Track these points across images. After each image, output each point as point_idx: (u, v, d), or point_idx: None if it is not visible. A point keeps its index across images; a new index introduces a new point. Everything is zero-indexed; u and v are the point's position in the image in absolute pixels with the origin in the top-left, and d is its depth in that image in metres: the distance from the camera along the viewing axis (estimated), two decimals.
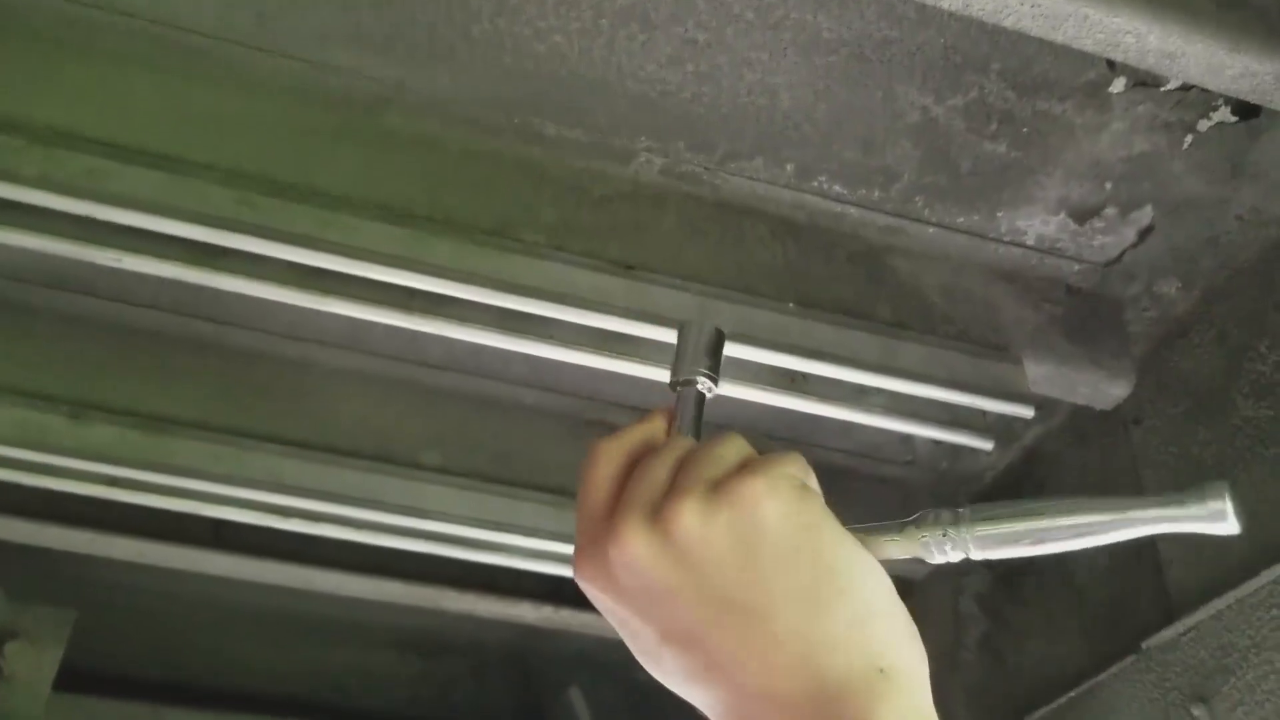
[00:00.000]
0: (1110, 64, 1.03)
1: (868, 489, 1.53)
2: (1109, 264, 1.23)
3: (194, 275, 1.03)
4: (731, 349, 1.12)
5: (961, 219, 1.19)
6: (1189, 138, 1.09)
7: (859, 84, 1.06)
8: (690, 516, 0.56)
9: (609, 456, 0.62)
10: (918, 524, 0.61)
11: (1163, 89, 1.05)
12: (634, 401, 1.37)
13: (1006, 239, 1.21)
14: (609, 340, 1.12)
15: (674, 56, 1.04)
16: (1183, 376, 1.24)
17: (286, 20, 1.03)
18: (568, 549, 1.38)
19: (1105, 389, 1.24)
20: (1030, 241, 1.21)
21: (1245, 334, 1.17)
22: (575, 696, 1.90)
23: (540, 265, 1.08)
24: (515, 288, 1.06)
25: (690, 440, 0.62)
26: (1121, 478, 1.30)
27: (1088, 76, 1.04)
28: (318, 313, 1.29)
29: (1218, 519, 0.55)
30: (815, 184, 1.16)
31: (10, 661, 1.59)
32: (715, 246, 1.16)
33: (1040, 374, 1.20)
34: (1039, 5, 0.81)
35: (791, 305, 1.15)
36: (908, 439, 1.47)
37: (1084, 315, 1.24)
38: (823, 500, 0.58)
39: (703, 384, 0.66)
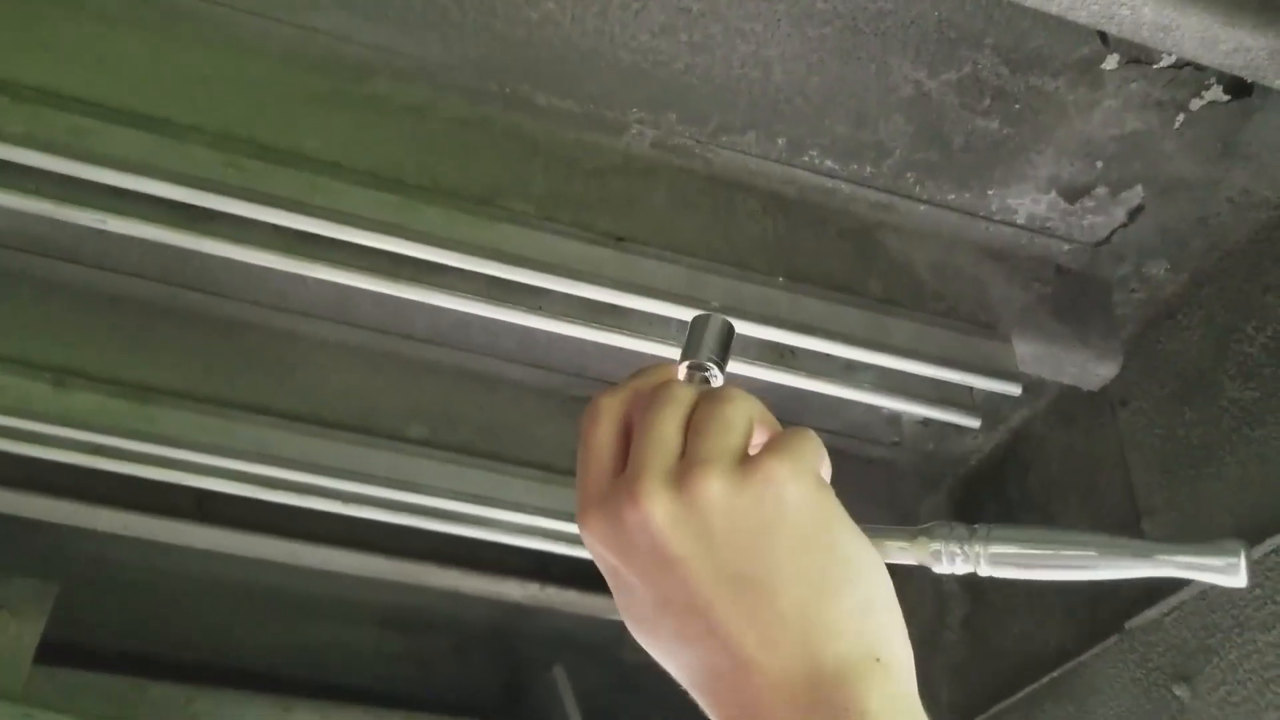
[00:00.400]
0: (1104, 39, 1.02)
1: (854, 469, 1.53)
2: (1098, 244, 1.23)
3: (179, 238, 1.02)
4: None
5: (953, 196, 1.19)
6: (1181, 117, 1.09)
7: (852, 57, 1.05)
8: (716, 488, 0.56)
9: (611, 411, 0.62)
10: (930, 534, 0.62)
11: (1155, 66, 1.04)
12: (622, 377, 1.37)
13: (997, 217, 1.21)
14: (598, 312, 1.11)
15: (667, 25, 1.04)
16: (1170, 358, 1.24)
17: None
18: (554, 524, 1.38)
19: (1093, 369, 1.24)
20: (1021, 220, 1.21)
21: (1233, 316, 1.18)
22: (559, 675, 1.90)
23: (530, 235, 1.08)
24: (504, 256, 1.06)
25: (691, 391, 0.62)
26: (1108, 460, 1.30)
27: (1081, 53, 1.04)
28: (304, 284, 1.29)
29: (1231, 572, 0.58)
30: (807, 159, 1.16)
31: None
32: (706, 220, 1.16)
33: (1028, 353, 1.21)
34: None
35: (781, 280, 1.14)
36: (895, 420, 1.47)
37: (1073, 295, 1.24)
38: (833, 493, 0.59)
39: (710, 372, 0.67)
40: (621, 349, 1.17)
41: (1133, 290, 1.27)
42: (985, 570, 0.62)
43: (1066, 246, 1.23)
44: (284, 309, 1.35)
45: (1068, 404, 1.38)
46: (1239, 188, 1.15)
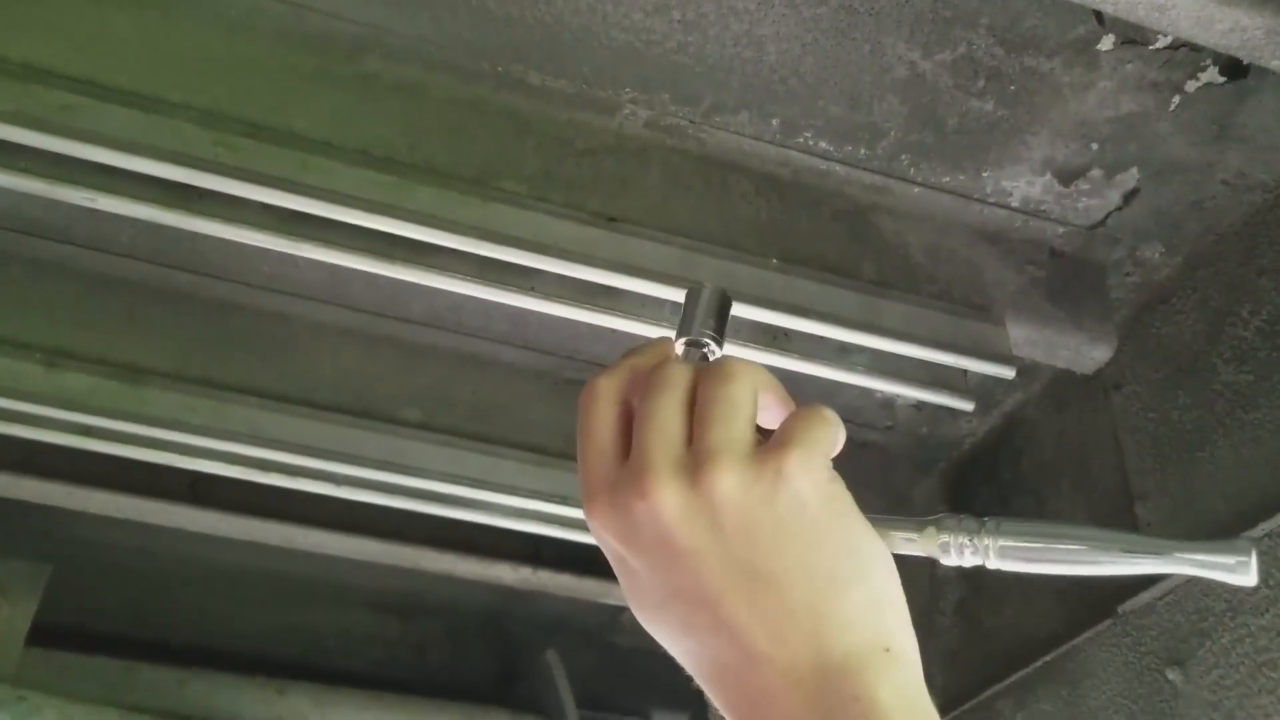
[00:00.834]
0: (1099, 19, 1.02)
1: (847, 453, 1.52)
2: (1093, 227, 1.22)
3: (169, 217, 1.02)
4: None
5: (947, 178, 1.18)
6: (1176, 98, 1.09)
7: (846, 37, 1.05)
8: (728, 482, 0.56)
9: (608, 394, 0.62)
10: (938, 525, 0.62)
11: (1151, 47, 1.04)
12: (615, 359, 1.37)
13: (991, 200, 1.21)
14: (590, 293, 1.11)
15: (660, 4, 1.03)
16: (1164, 342, 1.24)
17: None
18: (548, 507, 1.38)
19: (1086, 352, 1.23)
20: (1015, 203, 1.21)
21: (1227, 299, 1.17)
22: (552, 659, 1.90)
23: (522, 215, 1.07)
24: (497, 236, 1.05)
25: (687, 371, 0.61)
26: (1101, 444, 1.30)
27: (1076, 33, 1.03)
28: (296, 265, 1.29)
29: (1242, 571, 0.59)
30: (801, 140, 1.15)
31: None
32: (699, 201, 1.15)
33: (1022, 335, 1.20)
34: None
35: (775, 261, 1.14)
36: (888, 404, 1.47)
37: (1067, 278, 1.24)
38: (843, 484, 0.59)
39: (708, 347, 0.66)
40: (614, 330, 1.16)
41: (1127, 273, 1.27)
42: (994, 563, 0.62)
43: (1061, 229, 1.23)
44: (276, 291, 1.34)
45: (1061, 388, 1.38)
46: (1234, 170, 1.14)
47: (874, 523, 0.60)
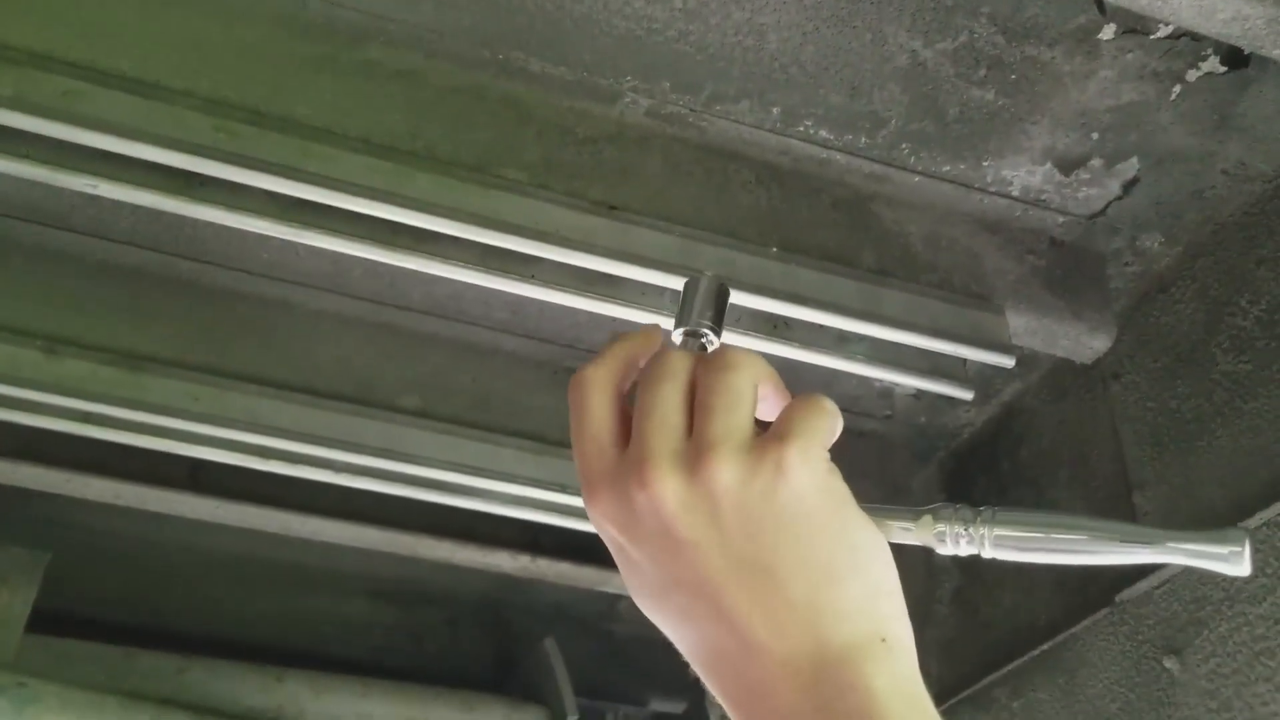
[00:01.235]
0: (1100, 8, 1.02)
1: (846, 442, 1.52)
2: (1093, 217, 1.23)
3: (170, 204, 1.02)
4: None
5: (947, 167, 1.19)
6: (1177, 88, 1.09)
7: (847, 25, 1.05)
8: (728, 474, 0.56)
9: (601, 384, 0.62)
10: (935, 515, 0.62)
11: (1152, 36, 1.04)
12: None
13: (992, 189, 1.21)
14: (590, 281, 1.11)
15: None
16: (1163, 331, 1.24)
17: None
18: (546, 495, 1.38)
19: (1086, 341, 1.24)
20: (1015, 192, 1.21)
21: (1226, 289, 1.18)
22: (550, 648, 1.91)
23: (523, 203, 1.07)
24: (497, 224, 1.05)
25: (688, 360, 0.61)
26: (1099, 433, 1.30)
27: (1078, 21, 1.03)
28: (297, 253, 1.29)
29: (1235, 561, 0.59)
30: (801, 128, 1.15)
31: None
32: (699, 189, 1.15)
33: (1021, 325, 1.21)
34: None
35: (775, 250, 1.14)
36: (887, 393, 1.47)
37: (1066, 268, 1.24)
38: (841, 477, 0.59)
39: (705, 336, 0.66)
40: (614, 318, 1.17)
41: (1126, 263, 1.27)
42: (989, 552, 0.62)
43: (1061, 219, 1.23)
44: (277, 278, 1.34)
45: (1060, 377, 1.39)
46: (1234, 160, 1.15)
47: (870, 512, 0.60)
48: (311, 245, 1.08)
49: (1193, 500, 1.16)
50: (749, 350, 0.62)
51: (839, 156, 1.18)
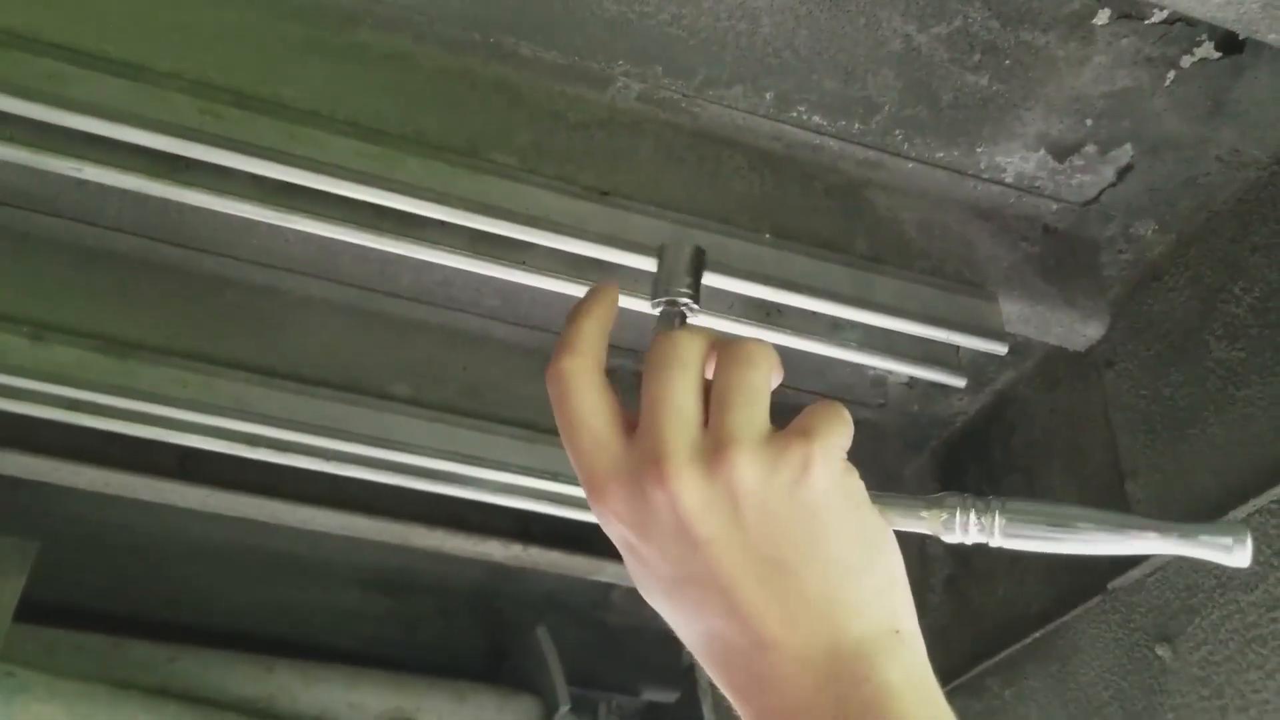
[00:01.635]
0: None
1: None
2: (1086, 204, 1.22)
3: (156, 188, 1.01)
4: (706, 279, 1.10)
5: (941, 154, 1.18)
6: (1171, 74, 1.08)
7: (841, 9, 1.04)
8: (749, 472, 0.56)
9: (584, 376, 0.61)
10: (943, 503, 0.63)
11: (1147, 21, 1.03)
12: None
13: (985, 176, 1.20)
14: (582, 267, 1.10)
15: None
16: (1156, 319, 1.24)
17: None
18: (538, 484, 1.37)
19: (1079, 329, 1.23)
20: (1009, 179, 1.20)
21: (1220, 276, 1.17)
22: (543, 637, 1.90)
23: (513, 188, 1.06)
24: (488, 209, 1.04)
25: (700, 346, 0.60)
26: (1092, 421, 1.30)
27: (1072, 7, 1.02)
28: (286, 239, 1.28)
29: (1237, 553, 0.61)
30: (794, 114, 1.15)
31: None
32: (692, 175, 1.15)
33: (1015, 312, 1.20)
34: None
35: (767, 236, 1.13)
36: (880, 381, 1.47)
37: (1060, 255, 1.23)
38: (858, 475, 0.60)
39: (684, 303, 0.65)
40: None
41: (1120, 251, 1.26)
42: (997, 541, 0.63)
43: (1054, 206, 1.23)
44: (266, 265, 1.33)
45: (1053, 365, 1.38)
46: (1228, 147, 1.14)
47: (877, 500, 0.61)
48: (300, 230, 1.07)
49: (1185, 488, 1.16)
50: (763, 341, 0.61)
51: (832, 142, 1.18)
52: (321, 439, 1.31)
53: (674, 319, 0.65)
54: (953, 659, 1.44)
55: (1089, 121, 1.13)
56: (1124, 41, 1.05)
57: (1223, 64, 1.07)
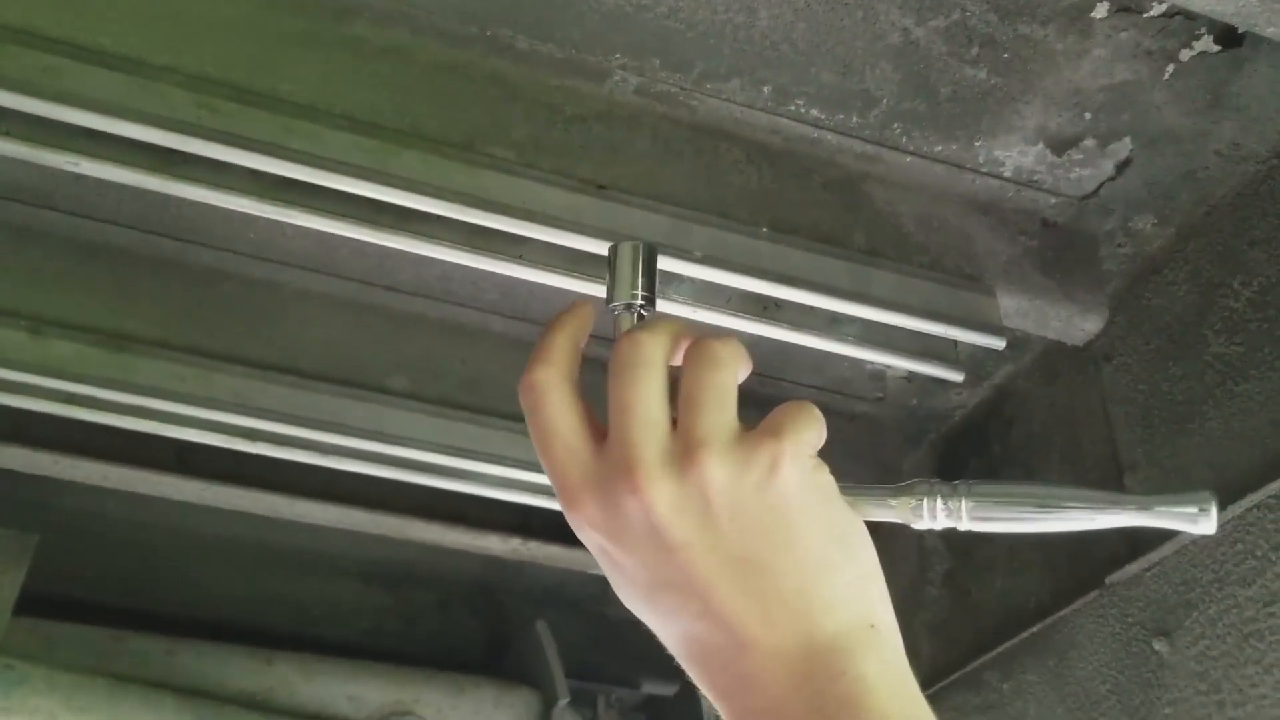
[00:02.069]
0: None
1: (838, 425, 1.52)
2: (1085, 198, 1.22)
3: (153, 182, 1.01)
4: (703, 273, 1.11)
5: (939, 148, 1.18)
6: (1170, 67, 1.08)
7: (839, 2, 1.04)
8: (720, 474, 0.56)
9: (556, 386, 0.61)
10: (911, 491, 0.64)
11: (1146, 15, 1.03)
12: (603, 330, 1.36)
13: (984, 170, 1.20)
14: (580, 261, 1.10)
15: None
16: (1155, 313, 1.24)
17: None
18: (537, 478, 1.37)
19: (1077, 323, 1.23)
20: (1007, 173, 1.20)
21: (1219, 271, 1.17)
22: (542, 630, 1.90)
23: (510, 182, 1.06)
24: (485, 203, 1.04)
25: (663, 348, 0.61)
26: (1091, 415, 1.30)
27: (1071, 0, 1.02)
28: (284, 233, 1.28)
29: (1203, 520, 0.63)
30: (792, 108, 1.14)
31: None
32: (689, 169, 1.14)
33: (1013, 306, 1.20)
34: None
35: (765, 230, 1.13)
36: (878, 375, 1.47)
37: (1059, 249, 1.23)
38: (828, 470, 0.60)
39: (639, 306, 0.66)
40: (603, 299, 1.15)
41: (1119, 245, 1.26)
42: (966, 525, 0.63)
43: (1053, 200, 1.22)
44: (264, 259, 1.33)
45: (1052, 359, 1.38)
46: (1227, 140, 1.14)
47: (848, 492, 0.61)
48: (297, 225, 1.07)
49: (1184, 482, 1.15)
50: (731, 339, 0.61)
51: (830, 136, 1.17)
52: (320, 433, 1.31)
53: (630, 321, 0.65)
54: (951, 653, 1.44)
55: (1088, 115, 1.13)
56: (1123, 35, 1.05)
57: (1222, 57, 1.06)
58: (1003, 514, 0.63)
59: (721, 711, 0.58)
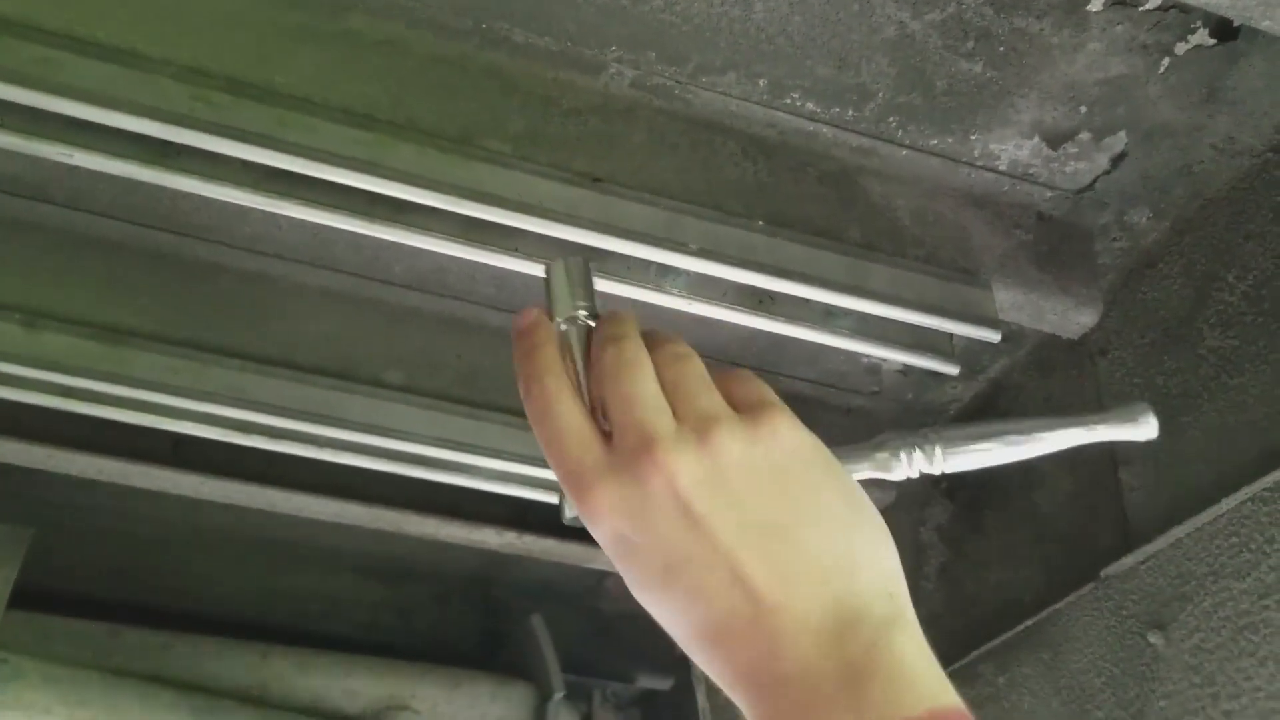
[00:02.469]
0: None
1: (833, 419, 1.53)
2: (1080, 191, 1.22)
3: (147, 174, 1.00)
4: (699, 266, 1.11)
5: (935, 141, 1.18)
6: (1166, 61, 1.08)
7: None
8: (736, 442, 0.59)
9: (566, 388, 0.65)
10: (885, 445, 0.68)
11: (1141, 8, 1.03)
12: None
13: (979, 163, 1.20)
14: (575, 254, 1.10)
15: None
16: (1150, 307, 1.24)
17: None
18: (534, 471, 1.37)
19: (1073, 317, 1.23)
20: (1003, 167, 1.20)
21: (1214, 264, 1.17)
22: (537, 624, 1.90)
23: (506, 174, 1.06)
24: (480, 196, 1.04)
25: (638, 346, 0.64)
26: (1086, 409, 1.30)
27: None
28: (279, 226, 1.28)
29: (1144, 425, 0.72)
30: (788, 101, 1.14)
31: None
32: (685, 162, 1.14)
33: (1008, 300, 1.20)
34: None
35: (761, 223, 1.13)
36: (874, 369, 1.47)
37: (1054, 243, 1.23)
38: None
39: (583, 316, 0.69)
40: (600, 293, 1.15)
41: (1114, 238, 1.26)
42: (941, 467, 0.69)
43: (1049, 193, 1.22)
44: (259, 252, 1.33)
45: (1046, 353, 1.38)
46: (1223, 134, 1.14)
47: (834, 454, 0.64)
48: (292, 218, 1.07)
49: (1179, 475, 1.16)
50: (677, 335, 0.66)
51: (826, 130, 1.17)
52: (315, 426, 1.31)
53: (580, 334, 0.68)
54: (946, 646, 1.44)
55: (1083, 108, 1.13)
56: (1118, 28, 1.05)
57: (1217, 51, 1.06)
58: (971, 449, 0.68)
59: (743, 693, 0.58)
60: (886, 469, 0.68)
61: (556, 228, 1.07)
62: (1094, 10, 1.03)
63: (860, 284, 1.13)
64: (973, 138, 1.17)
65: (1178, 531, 1.11)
